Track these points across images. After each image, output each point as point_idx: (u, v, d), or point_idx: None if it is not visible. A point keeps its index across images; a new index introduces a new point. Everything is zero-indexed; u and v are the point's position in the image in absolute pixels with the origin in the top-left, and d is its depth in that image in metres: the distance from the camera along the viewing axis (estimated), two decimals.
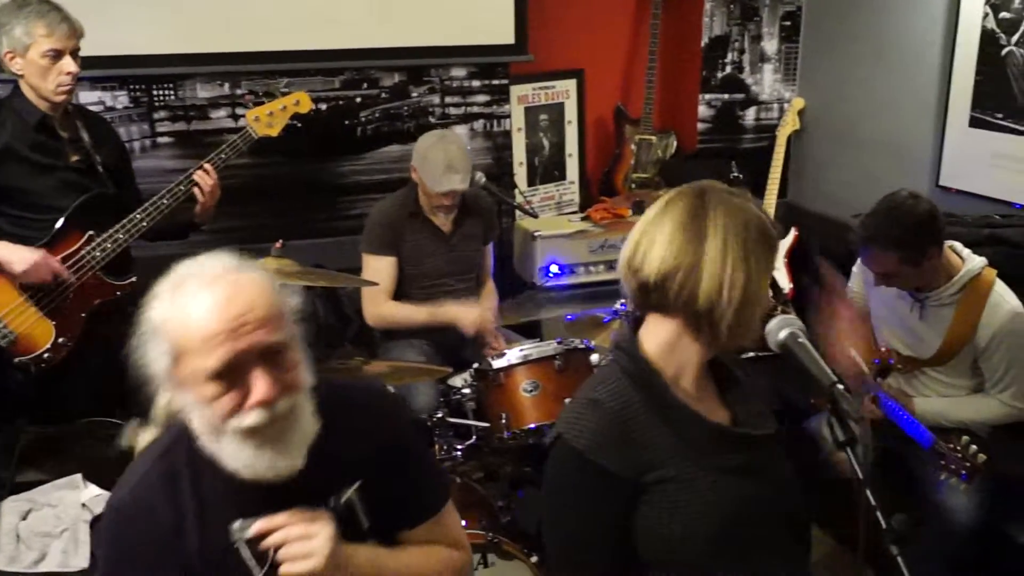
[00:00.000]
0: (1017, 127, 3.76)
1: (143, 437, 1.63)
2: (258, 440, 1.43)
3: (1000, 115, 3.83)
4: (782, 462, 1.69)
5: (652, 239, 1.59)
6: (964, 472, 2.60)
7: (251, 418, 1.41)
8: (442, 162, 3.39)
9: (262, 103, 3.28)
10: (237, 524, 1.45)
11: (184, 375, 1.42)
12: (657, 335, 1.64)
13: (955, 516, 2.75)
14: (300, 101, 3.27)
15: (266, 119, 3.20)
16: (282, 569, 1.44)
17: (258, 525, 1.44)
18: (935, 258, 2.77)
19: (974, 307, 2.80)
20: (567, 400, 2.93)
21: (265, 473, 1.45)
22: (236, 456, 1.44)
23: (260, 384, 1.40)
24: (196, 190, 3.03)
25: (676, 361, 1.63)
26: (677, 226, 1.57)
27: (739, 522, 1.58)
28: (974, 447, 2.61)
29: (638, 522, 1.57)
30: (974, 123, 3.95)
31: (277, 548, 1.45)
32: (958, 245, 2.91)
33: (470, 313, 3.51)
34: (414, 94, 4.39)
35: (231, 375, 1.39)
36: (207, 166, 3.05)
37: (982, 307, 2.79)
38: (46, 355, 2.85)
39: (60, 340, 2.87)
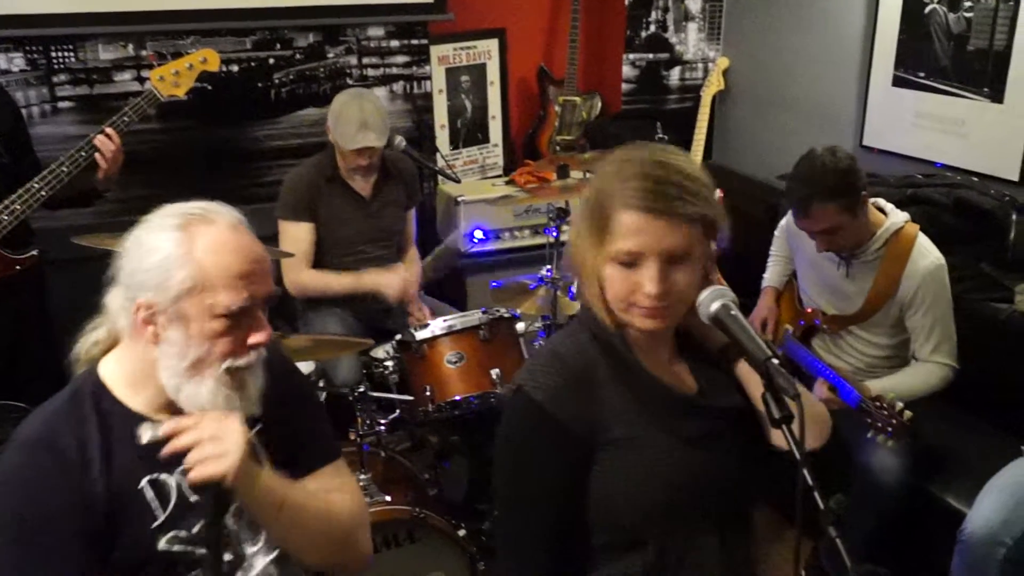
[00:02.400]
0: (939, 86, 3.78)
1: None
2: (236, 382, 1.51)
3: (923, 74, 3.83)
4: (743, 439, 1.63)
5: None
6: (890, 429, 2.61)
7: (246, 358, 1.50)
8: (356, 119, 3.28)
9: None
10: (145, 426, 1.46)
11: (197, 307, 1.46)
12: None
13: (882, 474, 2.80)
14: (207, 59, 3.12)
15: (171, 79, 3.05)
16: (193, 472, 1.42)
17: (168, 425, 1.45)
18: (865, 205, 2.79)
19: (897, 261, 2.82)
20: (493, 371, 2.92)
21: None
22: (211, 397, 1.48)
23: (263, 327, 1.51)
24: (98, 156, 2.86)
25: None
26: None
27: (684, 492, 1.54)
28: (900, 404, 2.62)
29: (588, 483, 1.53)
30: (897, 82, 3.96)
31: (186, 453, 1.44)
32: (881, 201, 2.93)
33: (393, 279, 3.42)
34: (330, 55, 4.25)
35: (240, 316, 1.48)
36: (109, 130, 2.90)
37: (905, 261, 2.81)
38: None
39: None
